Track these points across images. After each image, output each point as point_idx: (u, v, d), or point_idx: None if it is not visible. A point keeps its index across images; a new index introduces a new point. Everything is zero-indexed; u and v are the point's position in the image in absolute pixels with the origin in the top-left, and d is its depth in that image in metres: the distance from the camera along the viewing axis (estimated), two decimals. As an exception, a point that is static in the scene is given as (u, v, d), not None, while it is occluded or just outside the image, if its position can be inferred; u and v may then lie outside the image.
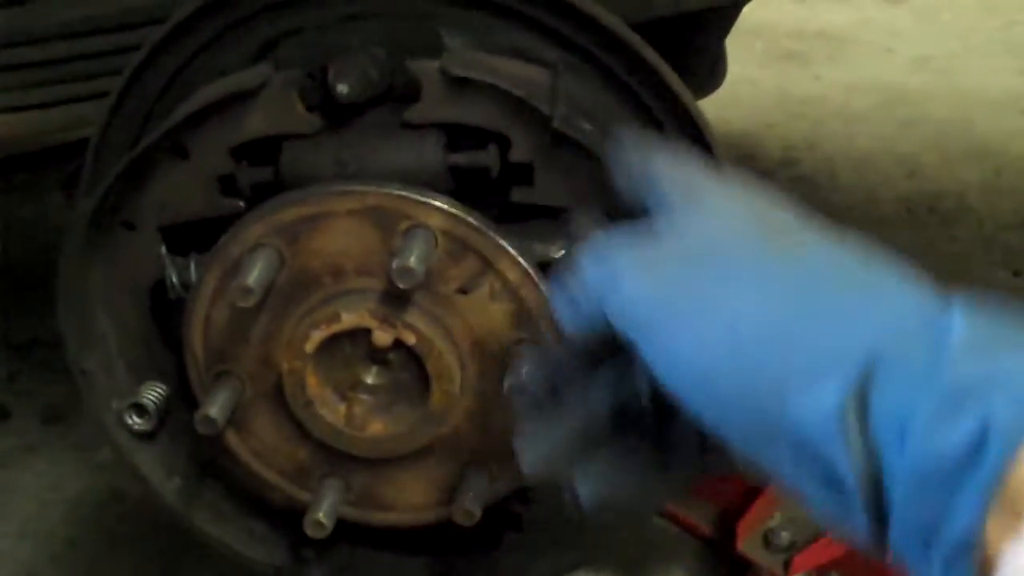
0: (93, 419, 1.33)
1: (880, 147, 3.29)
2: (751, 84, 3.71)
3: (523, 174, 1.19)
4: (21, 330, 2.74)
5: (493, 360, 1.20)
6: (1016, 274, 2.62)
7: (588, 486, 0.73)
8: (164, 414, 1.32)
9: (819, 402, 0.58)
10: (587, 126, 1.14)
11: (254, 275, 1.14)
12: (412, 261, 1.10)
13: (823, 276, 0.64)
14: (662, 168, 0.77)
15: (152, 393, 1.31)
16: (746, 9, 2.45)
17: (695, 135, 1.22)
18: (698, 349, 0.63)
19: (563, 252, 1.20)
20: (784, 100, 3.67)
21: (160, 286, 1.29)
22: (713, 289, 0.65)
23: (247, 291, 1.12)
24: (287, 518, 1.35)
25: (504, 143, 1.18)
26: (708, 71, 2.37)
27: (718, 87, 2.49)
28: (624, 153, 0.80)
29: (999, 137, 3.30)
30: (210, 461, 1.36)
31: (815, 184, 3.11)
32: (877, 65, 3.96)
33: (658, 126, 1.22)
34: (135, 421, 1.30)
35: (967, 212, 2.92)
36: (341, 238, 1.17)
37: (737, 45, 2.75)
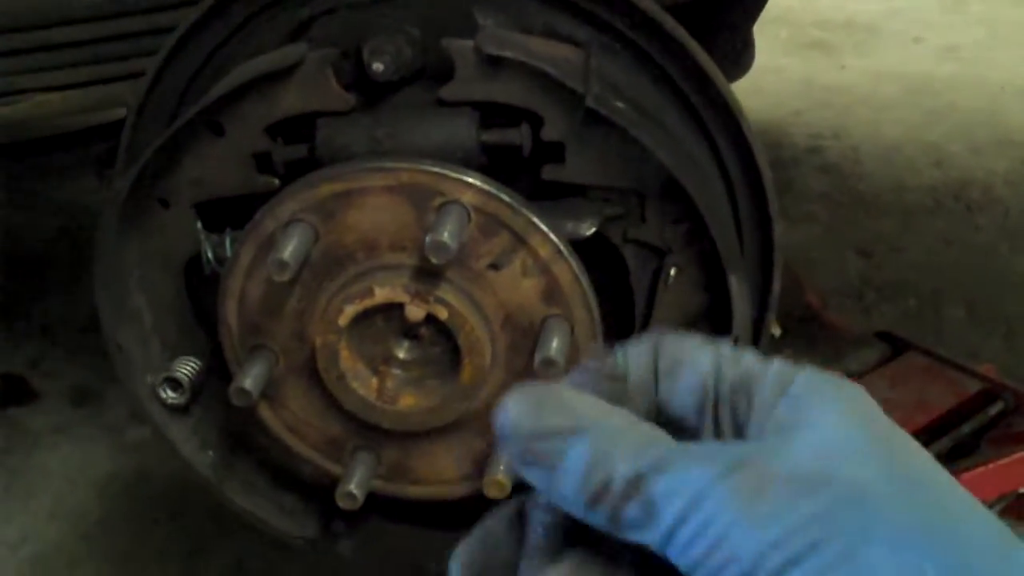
0: (128, 393, 1.35)
1: (907, 136, 3.29)
2: (777, 73, 3.71)
3: (555, 152, 1.19)
4: (47, 312, 2.77)
5: (524, 335, 1.20)
6: (1042, 263, 2.62)
7: None
8: (198, 388, 1.34)
9: None
10: (620, 105, 1.14)
11: (289, 249, 1.14)
12: (445, 236, 1.10)
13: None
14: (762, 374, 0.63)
15: (186, 367, 1.33)
16: (772, -2, 2.46)
17: (727, 119, 1.22)
18: None
19: (593, 229, 1.21)
20: (810, 88, 3.67)
21: (194, 262, 1.31)
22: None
23: (282, 265, 1.13)
24: (318, 491, 1.37)
25: (536, 121, 1.18)
26: (736, 56, 2.37)
27: (746, 73, 2.49)
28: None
29: (1026, 126, 3.30)
30: (243, 435, 1.38)
31: (841, 172, 3.11)
32: (904, 54, 3.96)
33: (690, 109, 1.23)
34: (169, 395, 1.32)
35: (993, 202, 2.92)
36: (375, 214, 1.17)
37: (763, 34, 2.76)
